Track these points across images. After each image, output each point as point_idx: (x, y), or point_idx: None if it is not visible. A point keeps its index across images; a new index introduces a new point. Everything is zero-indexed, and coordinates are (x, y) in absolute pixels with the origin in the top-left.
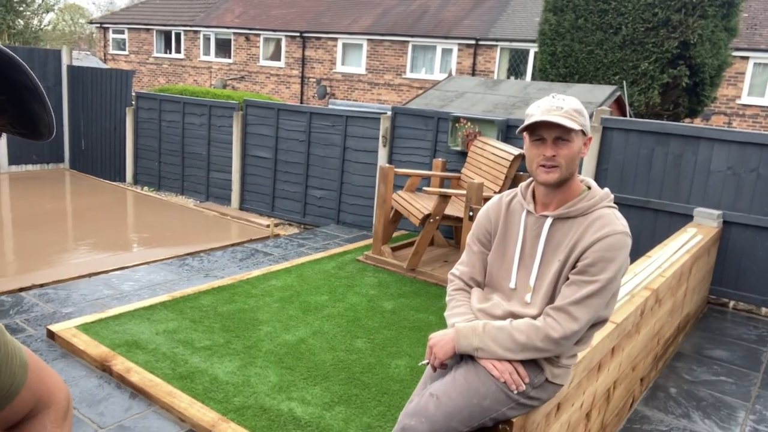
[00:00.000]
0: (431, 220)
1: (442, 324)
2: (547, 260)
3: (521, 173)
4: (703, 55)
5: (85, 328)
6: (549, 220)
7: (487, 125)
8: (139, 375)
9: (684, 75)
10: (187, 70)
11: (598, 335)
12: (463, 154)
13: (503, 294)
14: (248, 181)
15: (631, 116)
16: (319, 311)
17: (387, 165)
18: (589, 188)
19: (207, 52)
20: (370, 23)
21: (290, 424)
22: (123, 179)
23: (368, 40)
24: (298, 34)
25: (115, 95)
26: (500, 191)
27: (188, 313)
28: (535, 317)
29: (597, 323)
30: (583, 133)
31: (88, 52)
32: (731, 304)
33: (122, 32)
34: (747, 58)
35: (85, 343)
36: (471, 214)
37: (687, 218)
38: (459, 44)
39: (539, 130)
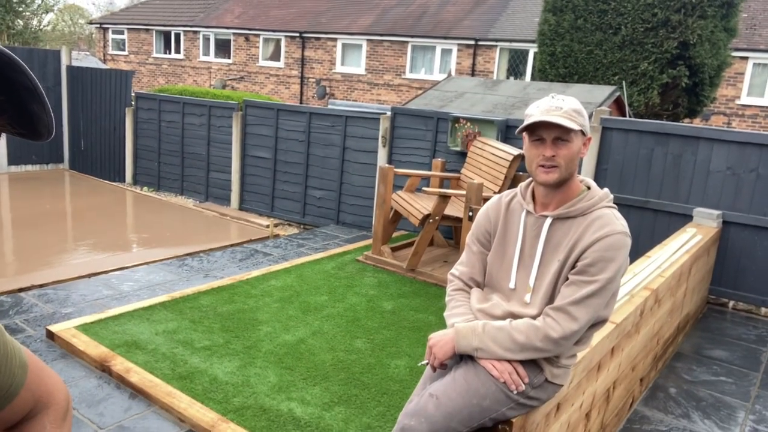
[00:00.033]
0: (431, 221)
1: (442, 324)
2: (547, 260)
3: (521, 173)
4: (703, 56)
5: (84, 328)
6: (548, 220)
7: (487, 125)
8: (138, 375)
9: (683, 75)
10: (187, 70)
11: (598, 335)
12: (463, 155)
13: (503, 294)
14: (248, 182)
15: (630, 116)
16: (318, 311)
17: (386, 165)
18: (589, 188)
19: (206, 53)
20: (370, 23)
21: (290, 425)
22: (122, 179)
23: (368, 40)
24: (297, 35)
25: (114, 95)
26: (500, 191)
27: (188, 313)
28: (534, 317)
29: (596, 323)
30: (583, 133)
31: (88, 53)
32: (731, 304)
33: (122, 32)
34: (746, 58)
35: (84, 343)
36: (470, 214)
37: (686, 218)
38: (458, 44)
39: (539, 130)
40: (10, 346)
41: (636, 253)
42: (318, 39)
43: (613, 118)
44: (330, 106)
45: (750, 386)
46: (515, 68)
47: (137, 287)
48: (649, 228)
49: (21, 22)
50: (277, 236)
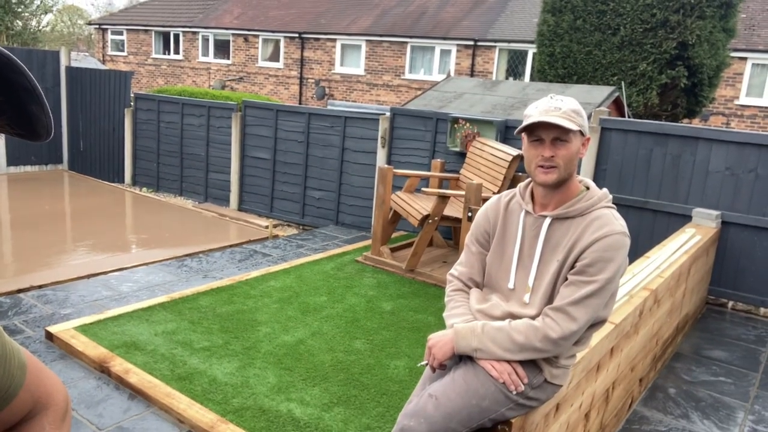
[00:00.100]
0: (430, 221)
1: (441, 325)
2: (546, 260)
3: (520, 174)
4: (702, 56)
5: (83, 329)
6: (547, 221)
7: (486, 126)
8: (137, 376)
9: (682, 76)
10: (186, 71)
11: (597, 336)
12: (462, 155)
13: (502, 294)
14: (247, 182)
15: (629, 117)
16: (318, 312)
17: (386, 166)
18: (588, 188)
19: (206, 53)
20: (369, 24)
21: (289, 425)
22: (122, 180)
23: (367, 41)
24: (296, 35)
25: (113, 96)
26: (499, 192)
27: (187, 314)
28: (533, 317)
29: (596, 324)
30: (582, 133)
31: (87, 53)
32: (730, 304)
33: (121, 33)
34: (745, 58)
35: (83, 344)
36: (470, 214)
37: (685, 219)
38: (458, 45)
39: (537, 130)
40: (9, 347)
41: (635, 254)
42: (317, 40)
43: (612, 118)
44: (329, 107)
45: (749, 386)
46: (514, 69)
47: (136, 288)
48: (648, 228)
49: (20, 23)
50: (276, 237)
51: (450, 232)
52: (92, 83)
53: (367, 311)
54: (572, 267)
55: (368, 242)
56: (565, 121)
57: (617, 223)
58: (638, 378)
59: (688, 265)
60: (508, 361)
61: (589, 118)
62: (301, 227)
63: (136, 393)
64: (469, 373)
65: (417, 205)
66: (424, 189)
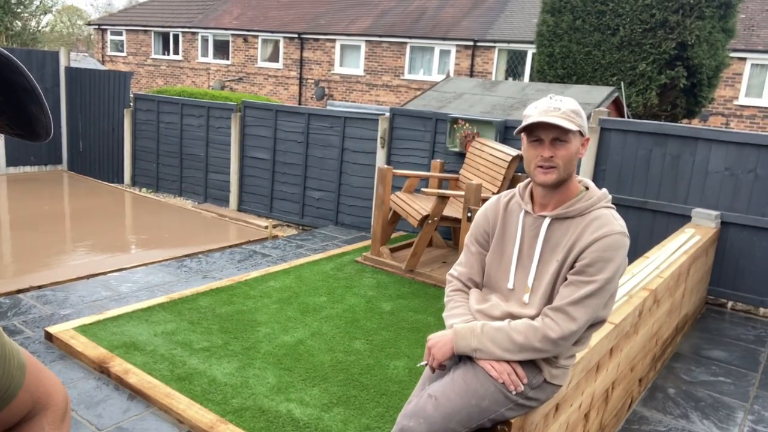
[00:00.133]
0: (430, 221)
1: (441, 325)
2: (545, 260)
3: (519, 174)
4: (701, 56)
5: (83, 329)
6: (547, 221)
7: (485, 126)
8: (137, 376)
9: (682, 76)
10: (185, 71)
11: (597, 336)
12: (462, 155)
13: (501, 295)
14: (246, 183)
15: (628, 117)
16: (317, 312)
17: (385, 166)
18: (587, 189)
19: (205, 54)
20: (368, 24)
21: (289, 426)
22: (121, 181)
23: (366, 41)
24: (296, 36)
25: (113, 97)
26: (498, 192)
27: (186, 314)
28: (533, 318)
29: (595, 324)
30: (581, 133)
31: (86, 54)
32: (729, 304)
33: (120, 34)
34: (744, 59)
35: (83, 344)
36: (469, 214)
37: (685, 219)
38: (457, 45)
39: (537, 131)
40: (9, 348)
41: (634, 254)
42: (317, 40)
43: (611, 118)
44: (329, 107)
45: (749, 386)
46: (514, 69)
47: (136, 288)
48: (647, 228)
49: (19, 24)
50: (275, 237)
51: (449, 233)
52: (92, 84)
53: (366, 311)
54: (572, 267)
55: (368, 242)
56: (565, 121)
57: (617, 223)
58: (638, 378)
59: (688, 266)
60: (508, 362)
61: (588, 118)
62: (300, 227)
63: (135, 393)
64: (468, 374)
65: (416, 206)
66: (423, 189)
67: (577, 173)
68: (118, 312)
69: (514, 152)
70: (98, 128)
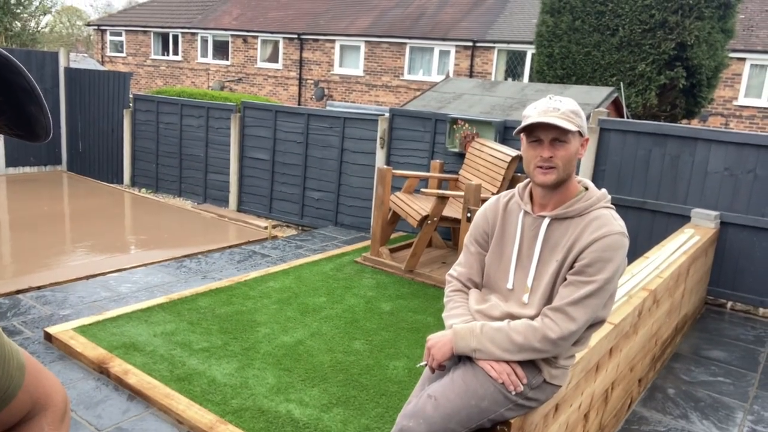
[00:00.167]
0: (429, 222)
1: (440, 325)
2: (545, 260)
3: (519, 174)
4: (700, 57)
5: (82, 330)
6: (546, 221)
7: (485, 127)
8: (136, 377)
9: (681, 76)
10: (185, 72)
11: (596, 336)
12: (461, 156)
13: (501, 295)
14: (246, 183)
15: (628, 117)
16: (317, 313)
17: (385, 166)
18: (587, 189)
19: (205, 54)
20: (368, 25)
21: (288, 426)
22: (120, 181)
23: (366, 41)
24: (295, 36)
25: (112, 97)
26: (498, 192)
27: (186, 314)
28: (532, 318)
29: (594, 324)
30: (580, 134)
31: (86, 54)
32: (729, 304)
33: (120, 34)
34: (744, 59)
35: (82, 345)
36: (469, 215)
37: (684, 219)
38: (456, 46)
39: (536, 131)
40: (8, 348)
41: (634, 254)
42: (316, 40)
43: (610, 119)
44: (328, 108)
45: (748, 387)
46: (513, 69)
47: (135, 289)
48: (647, 229)
49: (19, 24)
50: (275, 238)
51: (449, 233)
52: (91, 84)
53: (366, 312)
54: (571, 267)
55: (367, 243)
56: (564, 121)
57: (616, 223)
58: (637, 378)
59: (687, 266)
60: (507, 362)
61: (587, 118)
62: (300, 228)
63: (135, 394)
64: (468, 374)
65: (416, 206)
66: (423, 190)
67: (577, 173)
68: (117, 312)
69: (513, 152)
70: (98, 129)
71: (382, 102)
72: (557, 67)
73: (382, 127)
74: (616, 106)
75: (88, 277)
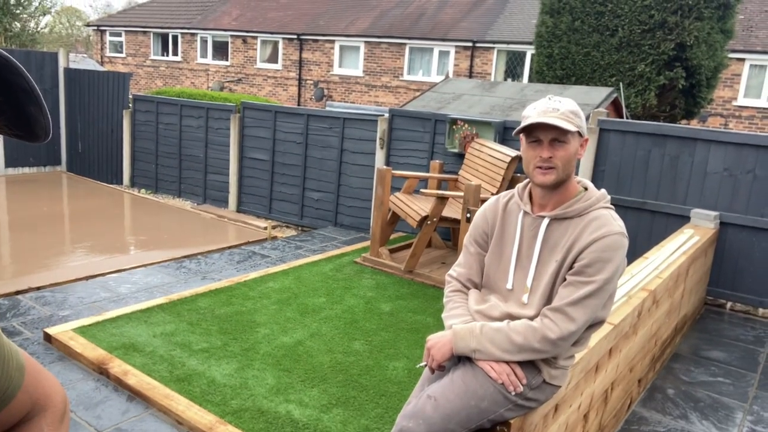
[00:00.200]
0: (429, 222)
1: (440, 326)
2: (544, 261)
3: (518, 175)
4: (700, 57)
5: (82, 330)
6: (546, 221)
7: (484, 127)
8: (136, 378)
9: (680, 77)
10: (185, 72)
11: (596, 336)
12: (461, 156)
13: (500, 295)
14: (245, 184)
15: (627, 118)
16: (316, 313)
17: (384, 167)
18: (586, 189)
19: (204, 55)
20: (368, 25)
21: (288, 427)
22: (120, 182)
23: (365, 42)
24: (295, 37)
25: (112, 98)
26: (497, 193)
27: (185, 315)
28: (532, 318)
29: (594, 324)
30: (580, 134)
31: (85, 55)
32: (728, 305)
33: (119, 35)
34: (743, 59)
35: (82, 345)
36: (468, 215)
37: (684, 219)
38: (456, 46)
39: (536, 131)
40: (7, 349)
41: (633, 255)
42: (316, 41)
43: (610, 119)
44: (328, 108)
45: (748, 387)
46: (513, 70)
47: (135, 289)
48: (646, 229)
49: (18, 25)
50: (274, 238)
51: (449, 233)
52: (90, 85)
53: (365, 312)
54: (570, 267)
55: (367, 243)
56: (563, 122)
57: (615, 223)
58: (637, 379)
59: (687, 266)
60: (507, 362)
61: (587, 119)
62: (299, 228)
63: (134, 394)
64: (467, 374)
65: (416, 206)
66: (422, 190)
67: (576, 174)
68: (117, 313)
69: (513, 153)
70: (97, 129)
71: (381, 102)
72: (557, 67)
73: (381, 127)
74: (615, 107)
75: (87, 278)
